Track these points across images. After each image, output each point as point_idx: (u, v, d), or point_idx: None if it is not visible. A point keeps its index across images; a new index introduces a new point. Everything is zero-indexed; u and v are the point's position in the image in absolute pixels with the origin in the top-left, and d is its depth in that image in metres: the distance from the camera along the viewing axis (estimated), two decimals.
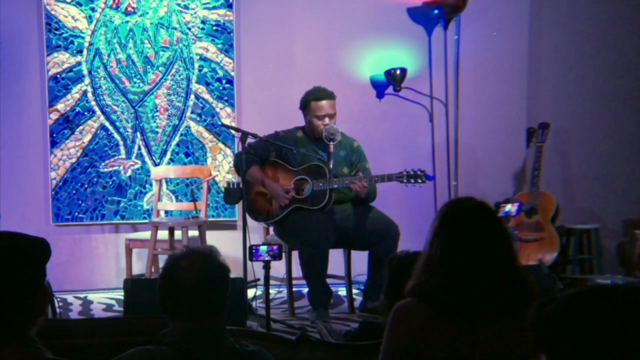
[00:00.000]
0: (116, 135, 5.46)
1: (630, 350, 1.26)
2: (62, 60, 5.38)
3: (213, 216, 5.47)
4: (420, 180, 4.52)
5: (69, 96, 5.40)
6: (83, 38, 5.39)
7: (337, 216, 4.65)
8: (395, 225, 4.59)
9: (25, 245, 1.80)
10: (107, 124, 5.44)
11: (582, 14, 5.84)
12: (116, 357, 2.01)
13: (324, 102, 4.66)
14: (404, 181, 4.53)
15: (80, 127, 5.42)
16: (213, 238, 5.23)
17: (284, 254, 4.29)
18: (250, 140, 4.59)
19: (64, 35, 5.37)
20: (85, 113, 5.43)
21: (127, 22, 5.43)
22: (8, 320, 1.72)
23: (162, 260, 4.97)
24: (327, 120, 4.65)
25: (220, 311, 2.05)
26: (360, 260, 4.92)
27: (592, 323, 1.29)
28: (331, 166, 4.63)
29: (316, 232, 4.49)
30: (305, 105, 4.70)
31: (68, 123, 5.40)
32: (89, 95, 5.42)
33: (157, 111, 5.49)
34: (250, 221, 4.49)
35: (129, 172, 5.48)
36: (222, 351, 2.02)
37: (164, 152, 5.50)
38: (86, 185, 5.44)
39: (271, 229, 5.03)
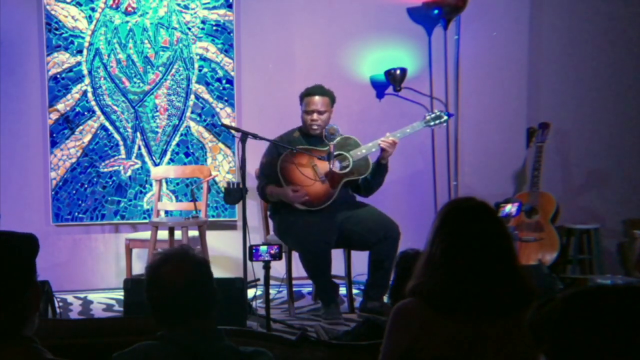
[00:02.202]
0: (116, 135, 5.46)
1: (629, 350, 1.26)
2: (62, 60, 5.38)
3: (213, 216, 5.47)
4: (442, 120, 4.81)
5: (69, 96, 5.40)
6: (83, 38, 5.39)
7: (338, 216, 4.65)
8: (396, 225, 4.60)
9: (11, 241, 1.79)
10: (107, 124, 5.44)
11: (582, 13, 5.84)
12: (119, 352, 2.01)
13: (313, 97, 4.68)
14: (431, 124, 4.83)
15: (80, 127, 5.42)
16: (213, 238, 5.24)
17: (284, 254, 4.29)
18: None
19: (64, 35, 5.37)
20: (85, 113, 5.43)
21: (127, 22, 5.43)
22: (0, 318, 1.72)
23: None
24: (315, 115, 4.66)
25: (214, 307, 2.05)
26: (360, 260, 4.92)
27: (590, 323, 1.29)
28: (331, 166, 4.62)
29: (316, 236, 4.48)
30: (300, 100, 4.74)
31: (68, 123, 5.40)
32: (89, 95, 5.42)
33: (157, 111, 5.49)
34: (250, 221, 4.47)
35: (129, 172, 5.48)
36: (221, 350, 2.02)
37: (164, 152, 5.50)
38: (86, 185, 5.44)
39: (271, 229, 5.03)
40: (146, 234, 5.02)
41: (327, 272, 4.56)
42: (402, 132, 4.73)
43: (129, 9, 5.42)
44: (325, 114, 4.68)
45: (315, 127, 4.67)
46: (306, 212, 4.58)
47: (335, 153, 4.65)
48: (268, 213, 4.93)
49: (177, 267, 2.02)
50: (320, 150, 4.67)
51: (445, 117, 4.82)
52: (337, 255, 4.86)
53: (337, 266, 4.89)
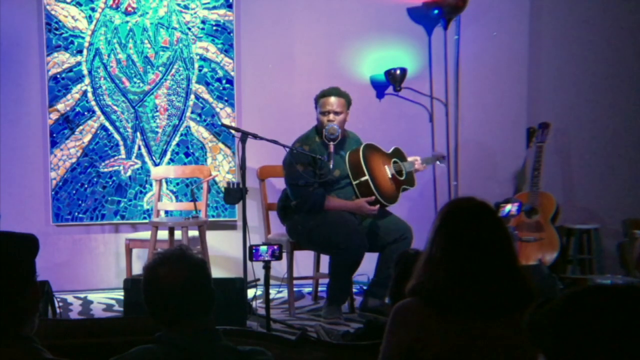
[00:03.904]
0: (116, 135, 5.46)
1: (628, 350, 1.26)
2: (62, 60, 5.38)
3: (213, 216, 5.47)
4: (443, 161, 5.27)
5: (69, 96, 5.40)
6: (83, 38, 5.39)
7: (358, 218, 4.65)
8: (411, 229, 4.62)
9: (11, 242, 1.79)
10: (107, 124, 5.44)
11: (582, 14, 5.84)
12: (117, 356, 2.01)
13: (329, 98, 4.66)
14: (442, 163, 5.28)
15: (80, 127, 5.42)
16: (213, 238, 5.24)
17: (284, 254, 4.29)
18: (291, 174, 4.64)
19: (64, 35, 5.37)
20: (85, 113, 5.43)
21: (127, 22, 5.42)
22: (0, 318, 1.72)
23: None
24: (331, 116, 4.64)
25: (211, 307, 2.05)
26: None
27: (589, 323, 1.29)
28: (331, 166, 4.62)
29: (357, 238, 4.48)
30: (316, 102, 4.72)
31: (68, 123, 5.40)
32: (89, 95, 5.42)
33: (157, 111, 5.49)
34: (250, 221, 4.46)
35: (129, 172, 5.48)
36: (219, 350, 2.02)
37: (164, 152, 5.50)
38: (86, 185, 5.44)
39: (273, 229, 5.02)
40: (146, 234, 5.02)
41: (352, 275, 4.62)
42: (426, 160, 5.06)
43: (129, 9, 5.42)
44: (341, 114, 4.66)
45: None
46: (329, 215, 4.55)
47: (394, 160, 4.83)
48: (276, 213, 4.85)
49: (175, 268, 2.02)
50: (383, 152, 4.83)
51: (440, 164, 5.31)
52: None
53: None
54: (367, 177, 4.60)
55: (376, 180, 4.63)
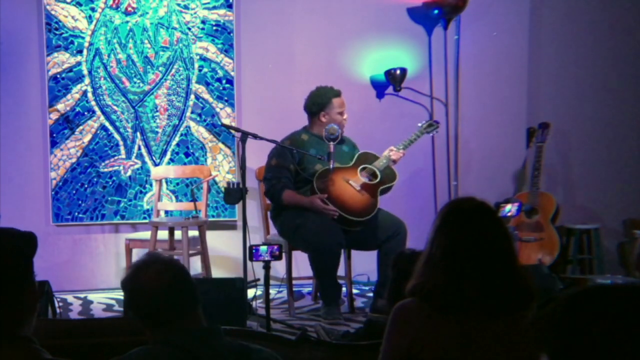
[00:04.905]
0: (116, 135, 5.45)
1: (630, 350, 1.26)
2: (62, 60, 5.38)
3: (213, 216, 5.47)
4: (435, 127, 5.14)
5: (69, 96, 5.39)
6: (83, 38, 5.39)
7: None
8: (403, 223, 4.62)
9: (9, 239, 1.78)
10: (107, 124, 5.44)
11: (582, 14, 5.84)
12: (117, 357, 2.01)
13: (342, 98, 4.77)
14: (429, 132, 5.13)
15: (80, 127, 5.42)
16: (213, 238, 5.24)
17: (284, 254, 4.29)
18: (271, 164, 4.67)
19: (64, 35, 5.37)
20: (85, 113, 5.42)
21: (127, 22, 5.42)
22: None
23: None
24: (345, 114, 4.74)
25: (198, 300, 2.06)
26: (361, 260, 4.92)
27: (592, 323, 1.29)
28: (332, 166, 4.62)
29: (329, 237, 4.47)
30: (325, 104, 4.72)
31: (68, 123, 5.40)
32: (89, 95, 5.42)
33: (157, 111, 5.49)
34: (250, 221, 4.46)
35: (129, 172, 5.47)
36: (220, 349, 2.02)
37: (164, 152, 5.50)
38: (86, 185, 5.44)
39: (272, 229, 5.02)
40: (146, 234, 5.02)
41: (335, 273, 4.58)
42: (404, 143, 4.88)
43: (129, 9, 5.42)
44: None
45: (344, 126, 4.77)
46: (314, 213, 4.56)
47: (361, 167, 4.72)
48: (269, 214, 4.92)
49: (154, 271, 2.04)
50: (346, 167, 4.73)
51: (437, 125, 5.18)
52: None
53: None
54: (326, 196, 4.57)
55: (338, 201, 4.57)
